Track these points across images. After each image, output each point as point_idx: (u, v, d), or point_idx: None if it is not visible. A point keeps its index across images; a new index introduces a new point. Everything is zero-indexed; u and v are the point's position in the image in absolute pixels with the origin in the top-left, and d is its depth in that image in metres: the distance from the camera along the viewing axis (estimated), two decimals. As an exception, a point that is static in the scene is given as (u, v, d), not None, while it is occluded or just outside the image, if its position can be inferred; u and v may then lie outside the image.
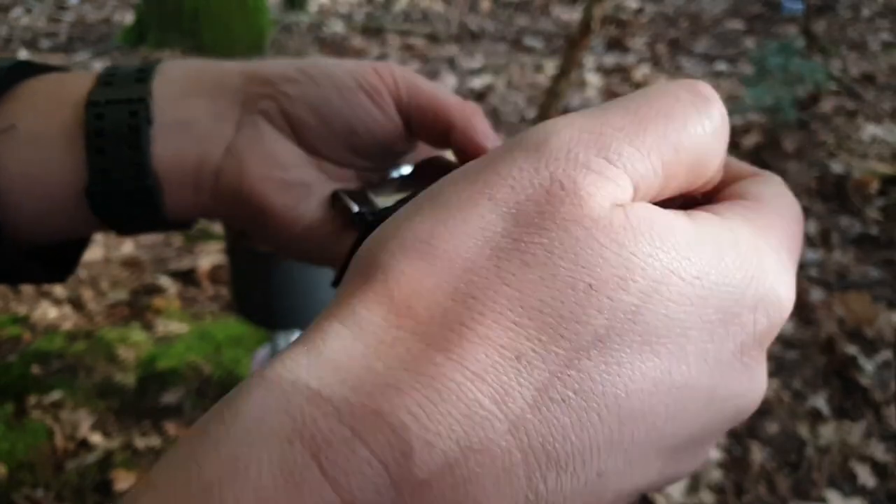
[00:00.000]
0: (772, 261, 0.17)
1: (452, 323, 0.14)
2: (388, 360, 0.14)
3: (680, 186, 0.17)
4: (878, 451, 1.46)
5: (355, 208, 0.25)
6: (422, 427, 0.13)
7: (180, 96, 0.27)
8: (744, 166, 0.22)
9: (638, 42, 3.70)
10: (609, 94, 3.05)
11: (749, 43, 3.68)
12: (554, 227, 0.15)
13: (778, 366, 1.67)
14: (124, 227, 0.28)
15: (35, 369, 1.39)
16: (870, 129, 2.75)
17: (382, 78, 0.28)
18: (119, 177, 0.26)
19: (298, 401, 0.13)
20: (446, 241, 0.15)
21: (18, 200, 0.26)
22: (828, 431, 1.50)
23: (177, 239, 1.89)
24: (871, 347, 1.72)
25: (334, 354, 0.14)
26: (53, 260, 0.30)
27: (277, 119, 0.27)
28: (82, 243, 0.32)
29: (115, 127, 0.26)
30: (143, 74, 0.28)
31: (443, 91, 0.28)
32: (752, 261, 0.16)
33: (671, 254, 0.15)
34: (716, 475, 1.39)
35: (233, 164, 0.27)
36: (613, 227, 0.15)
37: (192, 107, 0.27)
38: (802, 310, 1.85)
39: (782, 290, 0.17)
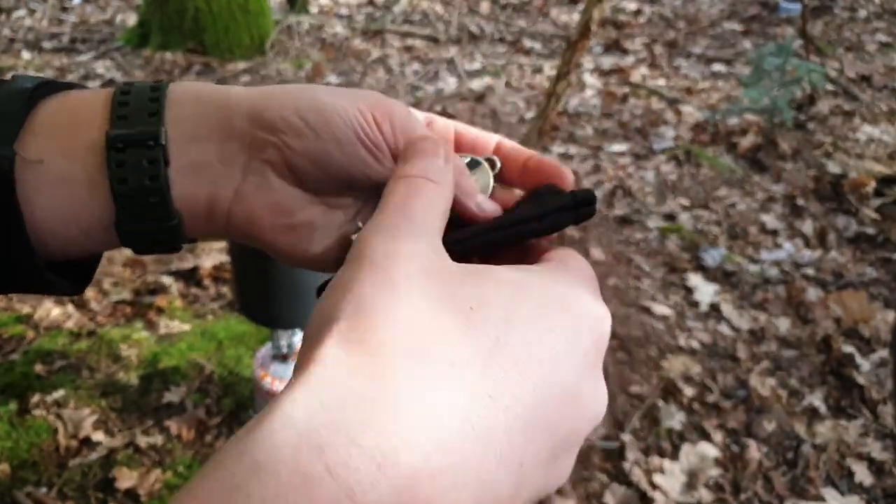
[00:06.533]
0: (586, 293, 0.25)
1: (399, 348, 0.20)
2: (362, 384, 0.19)
3: None
4: (875, 449, 1.46)
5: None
6: (400, 430, 0.18)
7: (191, 139, 0.29)
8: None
9: (636, 43, 3.72)
10: (607, 95, 3.06)
11: (746, 44, 3.69)
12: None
13: (775, 364, 1.67)
14: (145, 251, 0.31)
15: (38, 368, 1.40)
16: (866, 130, 2.76)
17: (380, 127, 0.30)
18: (145, 218, 0.28)
19: (301, 418, 0.18)
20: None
21: (50, 230, 0.28)
22: (825, 429, 1.50)
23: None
24: (867, 346, 1.72)
25: (322, 385, 0.19)
26: (71, 272, 0.31)
27: (281, 168, 0.29)
28: (97, 256, 0.33)
29: (137, 174, 0.28)
30: (155, 106, 0.28)
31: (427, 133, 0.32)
32: (576, 293, 0.24)
33: (526, 280, 0.23)
34: (713, 473, 1.40)
35: (242, 210, 0.29)
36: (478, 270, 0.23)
37: (202, 151, 0.29)
38: (799, 308, 1.86)
39: (600, 311, 0.24)
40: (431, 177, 0.26)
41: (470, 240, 0.29)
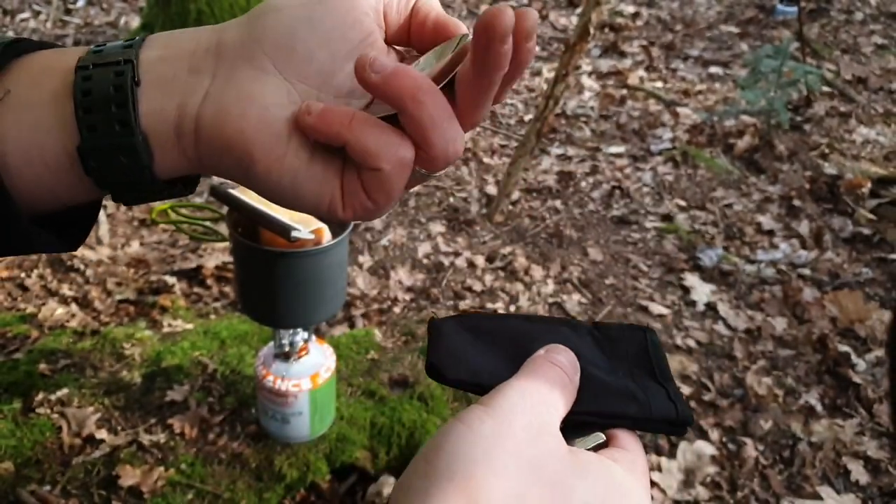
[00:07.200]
0: (640, 487, 0.29)
1: None
2: None
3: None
4: (871, 447, 1.48)
5: None
6: None
7: (160, 59, 0.28)
8: None
9: (634, 46, 3.74)
10: (605, 97, 3.08)
11: (743, 46, 3.71)
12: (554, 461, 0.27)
13: (771, 363, 1.69)
14: (117, 190, 0.29)
15: (42, 367, 1.41)
16: (862, 131, 2.78)
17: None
18: (107, 133, 0.27)
19: None
20: (498, 462, 0.26)
21: (17, 164, 0.27)
22: (821, 428, 1.52)
23: (182, 239, 1.91)
24: (863, 345, 1.74)
25: None
26: (65, 231, 0.31)
27: (253, 52, 0.28)
28: (91, 216, 0.33)
29: (102, 87, 0.27)
30: (131, 42, 0.29)
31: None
32: (635, 490, 0.28)
33: (609, 486, 0.27)
34: (710, 471, 1.41)
35: (210, 108, 0.27)
36: (581, 462, 0.27)
37: (171, 66, 0.28)
38: (795, 308, 1.87)
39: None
40: (569, 374, 0.31)
41: (574, 417, 0.32)
